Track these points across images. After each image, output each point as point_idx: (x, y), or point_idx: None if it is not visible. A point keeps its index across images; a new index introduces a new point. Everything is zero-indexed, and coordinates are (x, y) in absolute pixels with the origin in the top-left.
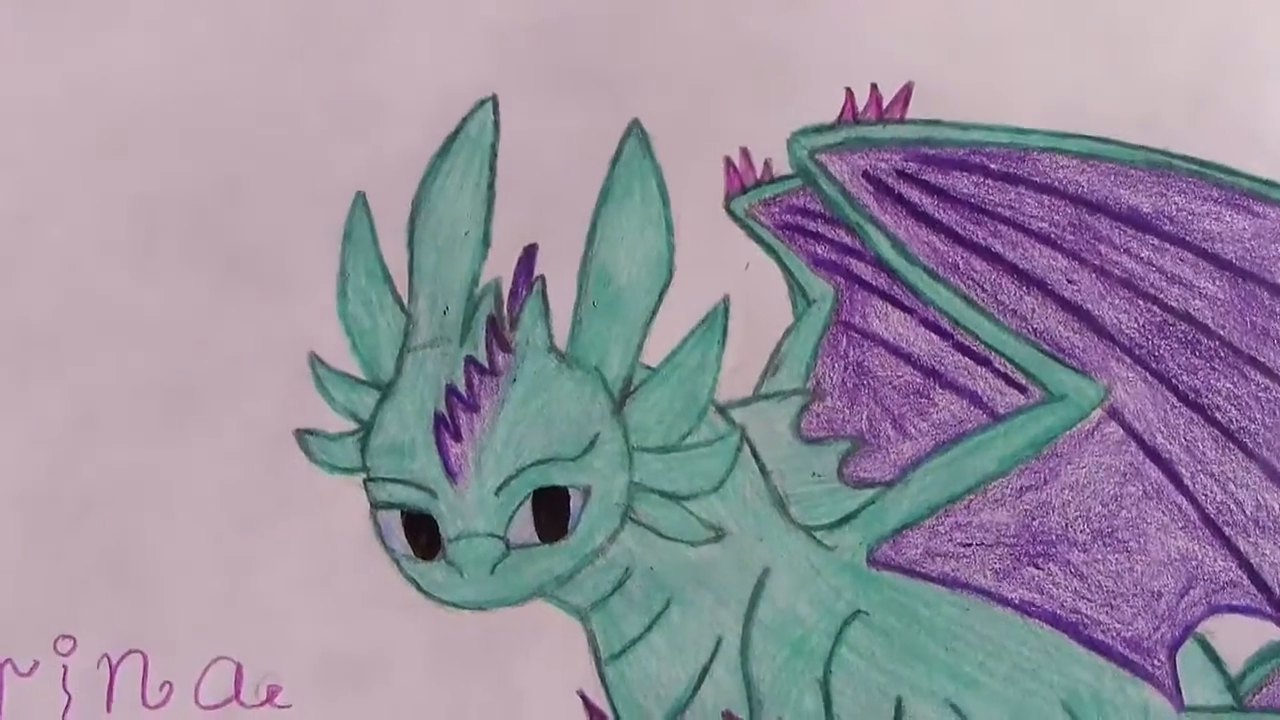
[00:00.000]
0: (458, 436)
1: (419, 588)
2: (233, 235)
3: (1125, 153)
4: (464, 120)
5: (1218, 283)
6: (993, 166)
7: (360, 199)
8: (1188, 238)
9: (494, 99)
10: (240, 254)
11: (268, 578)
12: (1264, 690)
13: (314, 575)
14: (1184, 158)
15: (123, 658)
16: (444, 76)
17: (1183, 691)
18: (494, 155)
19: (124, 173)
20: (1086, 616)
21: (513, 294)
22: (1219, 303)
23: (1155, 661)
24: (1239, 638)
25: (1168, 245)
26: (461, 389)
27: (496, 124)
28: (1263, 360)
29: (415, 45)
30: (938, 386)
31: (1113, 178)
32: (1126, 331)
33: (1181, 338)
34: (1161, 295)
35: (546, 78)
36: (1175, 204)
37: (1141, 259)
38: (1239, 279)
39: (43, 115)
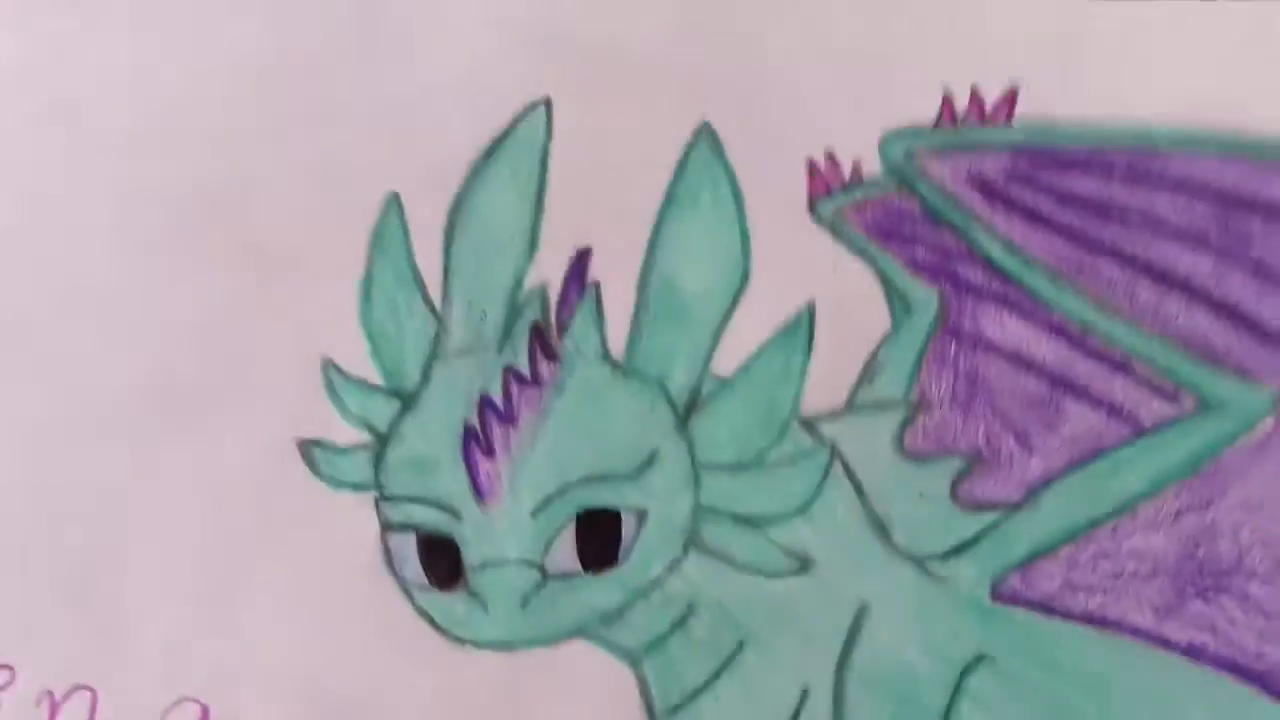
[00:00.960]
0: (490, 451)
1: (434, 623)
2: (251, 233)
3: (1271, 145)
4: (514, 121)
5: None
6: (1117, 167)
7: (394, 199)
8: None
9: (548, 102)
10: (258, 253)
11: (252, 606)
12: None
13: (306, 605)
14: None
15: (68, 694)
16: (490, 76)
17: None
18: (545, 156)
19: (143, 167)
20: (1277, 663)
21: (562, 300)
22: None
23: None
24: None
25: None
26: (498, 399)
27: (549, 127)
28: None
29: (462, 44)
30: (1068, 396)
31: (1259, 173)
32: None
33: None
34: None
35: (604, 79)
36: None
37: None
38: None
39: (64, 111)
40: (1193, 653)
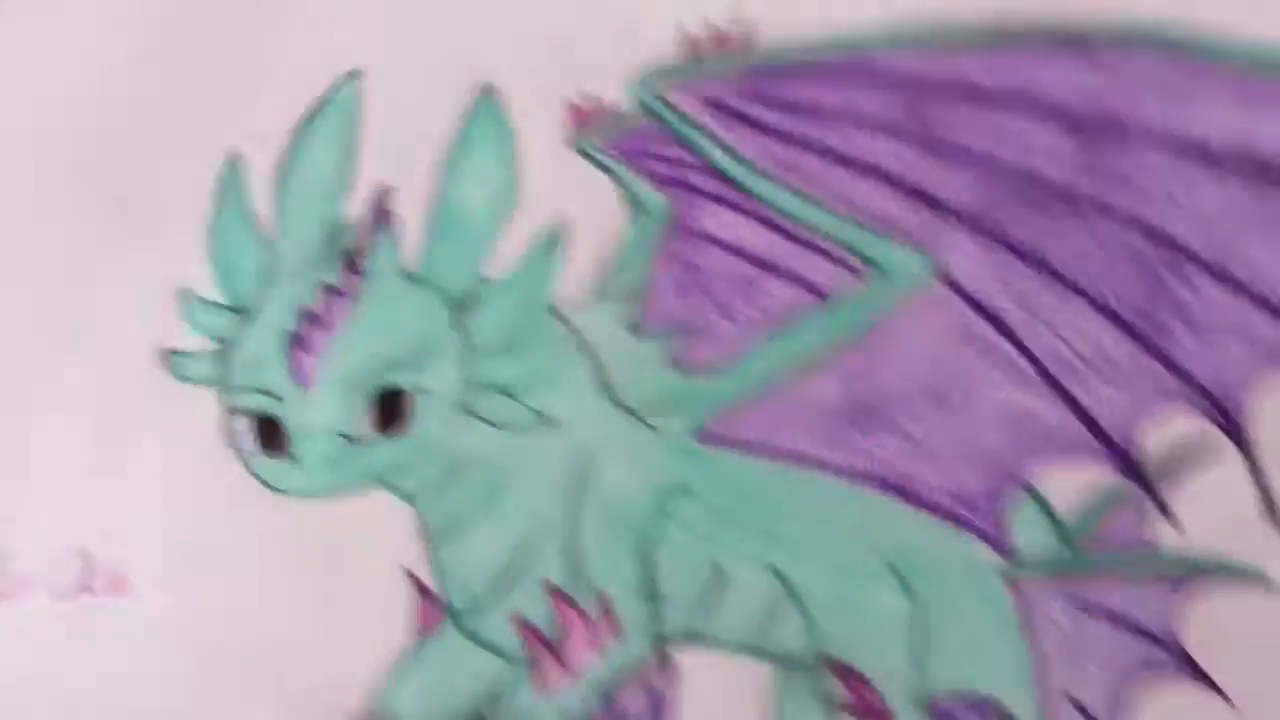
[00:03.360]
0: (309, 349)
1: (265, 483)
2: (119, 187)
3: (957, 32)
4: (333, 90)
5: (1055, 133)
6: (832, 73)
7: (234, 160)
8: (1025, 91)
9: (357, 72)
10: (124, 203)
11: (124, 479)
12: (1094, 533)
13: (170, 474)
14: (1019, 15)
15: None
16: (323, 48)
17: (1011, 541)
18: (356, 116)
19: (22, 132)
20: (914, 477)
21: (368, 229)
22: (1057, 153)
23: (983, 515)
24: (1071, 484)
25: (1003, 109)
26: (314, 309)
27: (358, 94)
28: (1105, 200)
29: (299, 19)
30: (769, 275)
31: (947, 60)
32: (959, 195)
33: (1016, 191)
34: (994, 152)
35: (414, 49)
36: (1010, 65)
37: (975, 123)
38: (1077, 126)
39: None
40: (850, 473)
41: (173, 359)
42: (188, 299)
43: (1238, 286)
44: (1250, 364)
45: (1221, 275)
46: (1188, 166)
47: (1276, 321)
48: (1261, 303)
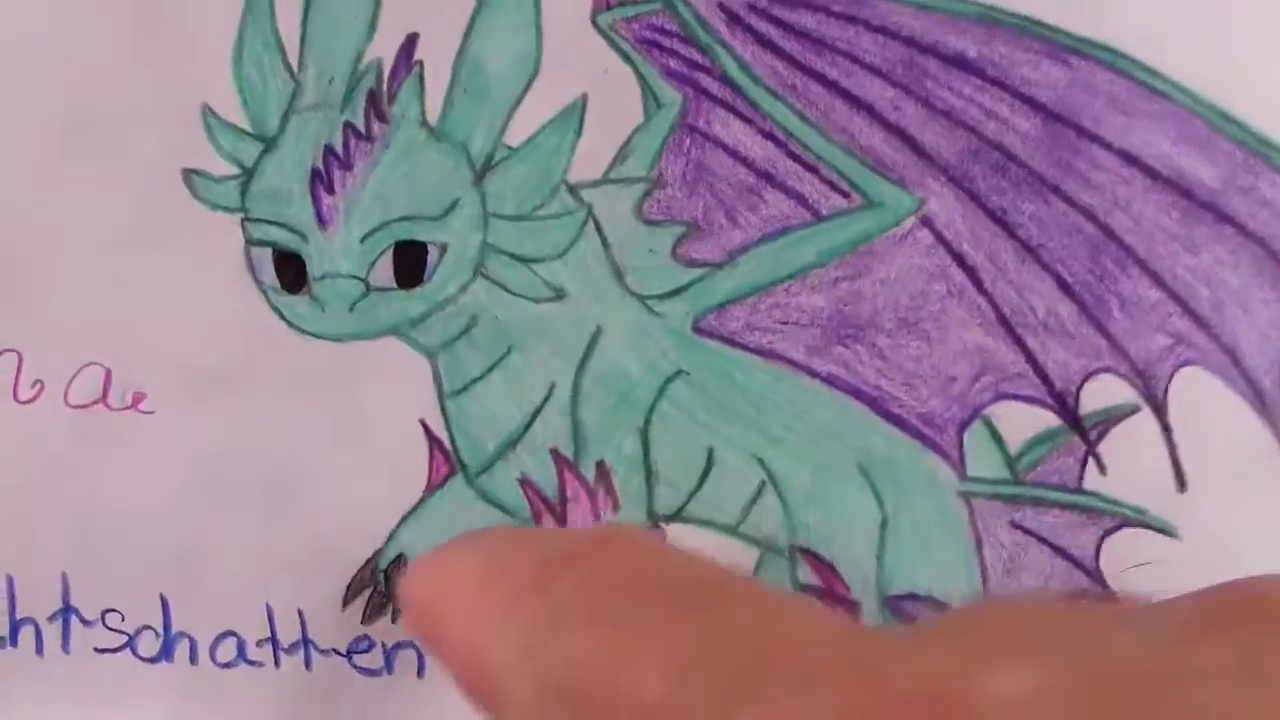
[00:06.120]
0: (331, 189)
1: (284, 318)
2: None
3: (957, 5)
4: None
5: (1031, 121)
6: (834, 8)
7: None
8: (1007, 81)
9: None
10: (149, 15)
11: (144, 297)
12: (1037, 469)
13: (188, 299)
14: (1010, 13)
15: None
16: None
17: (966, 464)
18: None
19: None
20: (886, 393)
21: (393, 74)
22: (1030, 138)
23: (945, 436)
24: (1020, 423)
25: (988, 86)
26: (338, 148)
27: None
28: (1065, 190)
29: None
30: (769, 186)
31: (943, 25)
32: (944, 155)
33: (994, 164)
34: (979, 127)
35: None
36: (999, 52)
37: (963, 96)
38: (1050, 120)
39: None
40: (831, 381)
41: (195, 180)
42: (212, 120)
43: (1163, 287)
44: (1170, 352)
45: (1151, 274)
46: (1133, 177)
47: (1192, 323)
48: (1180, 303)
